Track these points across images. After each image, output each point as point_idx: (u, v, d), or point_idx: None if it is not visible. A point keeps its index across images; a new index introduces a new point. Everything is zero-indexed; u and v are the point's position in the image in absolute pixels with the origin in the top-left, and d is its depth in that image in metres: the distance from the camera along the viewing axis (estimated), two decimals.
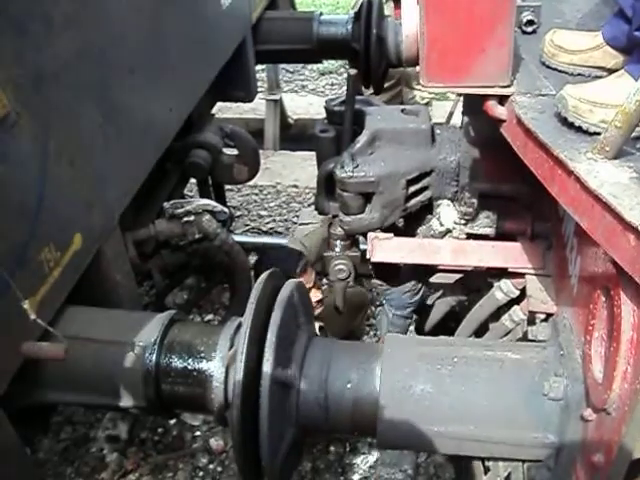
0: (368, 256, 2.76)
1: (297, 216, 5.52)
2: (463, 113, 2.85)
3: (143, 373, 2.06)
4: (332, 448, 3.64)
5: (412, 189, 2.75)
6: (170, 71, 2.94)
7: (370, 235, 2.75)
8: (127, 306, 2.53)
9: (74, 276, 2.16)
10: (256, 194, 5.87)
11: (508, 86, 2.08)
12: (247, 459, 1.98)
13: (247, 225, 5.53)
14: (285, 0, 5.10)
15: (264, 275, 2.12)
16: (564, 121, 1.84)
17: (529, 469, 2.28)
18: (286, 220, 5.55)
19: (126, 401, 2.12)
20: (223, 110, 6.35)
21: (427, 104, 5.33)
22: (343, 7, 9.21)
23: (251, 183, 4.85)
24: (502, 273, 2.64)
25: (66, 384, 2.15)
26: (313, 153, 3.38)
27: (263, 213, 5.66)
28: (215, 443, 3.70)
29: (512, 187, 2.66)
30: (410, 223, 2.94)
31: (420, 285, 2.99)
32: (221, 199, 4.51)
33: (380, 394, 2.02)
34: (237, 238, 4.13)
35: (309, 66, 8.06)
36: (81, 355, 2.07)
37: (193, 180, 4.41)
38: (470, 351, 2.10)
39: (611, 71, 2.01)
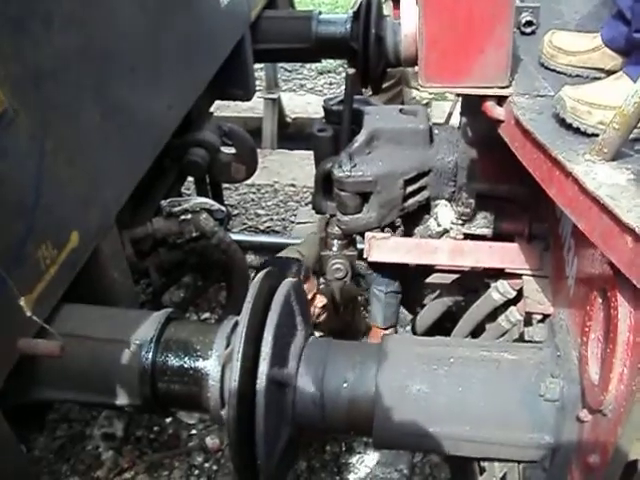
0: (365, 256, 2.76)
1: (294, 215, 5.53)
2: (461, 113, 2.85)
3: (139, 371, 2.06)
4: (328, 447, 3.64)
5: (410, 189, 2.75)
6: (169, 69, 2.94)
7: (367, 235, 2.75)
8: (124, 304, 2.53)
9: (71, 274, 2.15)
10: (254, 193, 5.86)
11: (507, 87, 2.08)
12: (243, 458, 1.97)
13: (244, 224, 5.52)
14: None
15: (261, 274, 2.12)
16: (562, 122, 1.84)
17: (525, 470, 2.28)
18: (283, 219, 5.55)
19: (122, 399, 2.12)
20: (221, 108, 6.35)
21: (427, 104, 5.33)
22: (342, 6, 9.20)
23: (249, 182, 4.85)
24: (499, 274, 2.64)
25: (62, 382, 2.14)
26: (311, 152, 3.38)
27: (260, 212, 5.65)
28: (211, 442, 3.70)
29: (510, 188, 2.67)
30: (407, 223, 2.94)
31: None
32: (218, 198, 4.51)
33: (376, 394, 2.02)
34: (234, 237, 4.13)
35: (307, 65, 8.05)
36: (77, 353, 2.06)
37: (191, 178, 4.40)
38: (466, 351, 2.10)
39: (610, 73, 2.01)
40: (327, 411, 2.05)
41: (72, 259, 2.14)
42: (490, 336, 2.72)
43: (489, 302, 2.69)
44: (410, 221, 2.93)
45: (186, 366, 2.06)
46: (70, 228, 2.14)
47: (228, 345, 2.03)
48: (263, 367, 1.90)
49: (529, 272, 2.53)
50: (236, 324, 2.04)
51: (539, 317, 2.37)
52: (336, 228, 2.92)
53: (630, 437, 1.55)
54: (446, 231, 2.77)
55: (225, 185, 5.09)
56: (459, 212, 2.71)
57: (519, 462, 2.26)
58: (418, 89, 5.37)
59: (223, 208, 3.67)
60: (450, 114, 4.92)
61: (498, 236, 2.71)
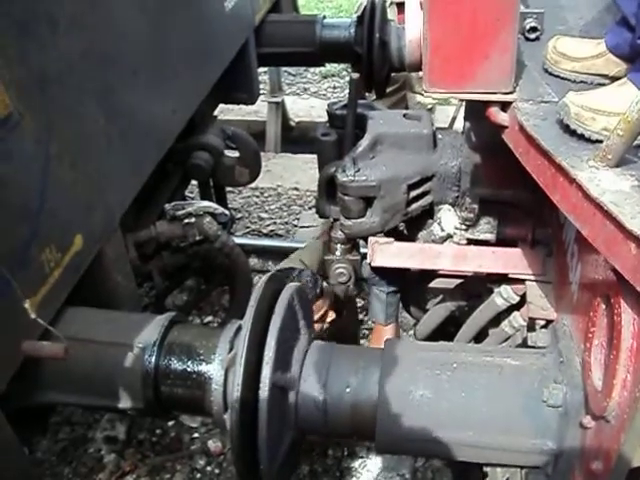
0: (368, 260, 2.76)
1: (298, 219, 5.53)
2: (465, 118, 2.85)
3: (142, 375, 2.06)
4: (330, 452, 3.64)
5: (413, 194, 2.75)
6: (173, 73, 2.94)
7: (370, 239, 2.75)
8: (127, 307, 2.53)
9: (74, 277, 2.16)
10: (257, 196, 5.87)
11: (511, 93, 2.08)
12: (245, 462, 1.97)
13: (248, 227, 5.53)
14: (288, 3, 5.10)
15: (264, 278, 2.12)
16: (566, 128, 1.84)
17: (527, 475, 2.28)
18: (287, 223, 5.55)
19: (125, 402, 2.12)
20: (225, 112, 6.35)
21: (430, 109, 5.33)
22: (346, 10, 9.21)
23: (252, 185, 4.86)
24: (502, 279, 2.64)
25: (65, 385, 2.14)
26: (314, 156, 3.38)
27: (264, 215, 5.66)
28: (213, 445, 3.70)
29: (513, 193, 2.67)
30: (411, 228, 2.94)
31: None
32: (222, 201, 4.52)
33: (379, 399, 2.02)
34: (237, 240, 4.13)
35: (311, 69, 8.05)
36: (80, 356, 2.06)
37: (194, 182, 4.41)
38: (469, 357, 2.10)
39: (614, 79, 2.01)
40: (330, 416, 2.05)
41: (76, 262, 2.14)
42: (493, 341, 2.72)
43: (492, 307, 2.69)
44: (413, 226, 2.93)
45: (189, 370, 2.06)
46: (74, 231, 2.14)
47: (231, 349, 2.03)
48: (266, 371, 1.90)
49: (532, 277, 2.53)
50: (239, 328, 2.04)
51: (542, 323, 2.37)
52: (339, 232, 2.92)
53: (633, 444, 1.54)
54: (449, 236, 2.77)
55: (229, 188, 5.09)
56: (462, 217, 2.71)
57: (522, 468, 2.27)
58: (422, 94, 5.38)
59: (227, 212, 3.68)
60: (454, 119, 4.93)
61: (501, 241, 2.71)
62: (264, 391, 1.89)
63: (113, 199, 2.44)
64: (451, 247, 2.75)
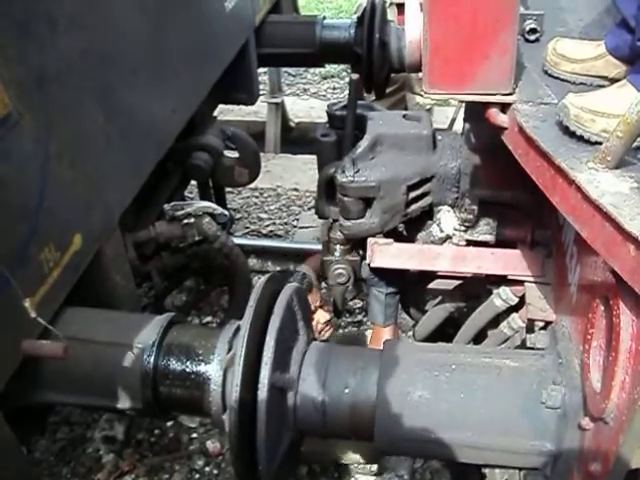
0: (367, 261, 2.76)
1: (297, 219, 5.52)
2: (465, 120, 2.85)
3: (141, 375, 2.06)
4: None
5: (413, 195, 2.74)
6: (173, 73, 2.95)
7: (370, 240, 2.75)
8: (126, 307, 2.53)
9: (73, 277, 2.16)
10: (256, 197, 5.86)
11: (510, 94, 2.08)
12: (244, 462, 1.97)
13: (247, 228, 5.52)
14: (288, 4, 5.11)
15: (263, 279, 2.12)
16: (566, 130, 1.84)
17: (526, 477, 2.28)
18: (286, 223, 5.54)
19: (123, 402, 2.12)
20: (225, 112, 6.35)
21: (429, 110, 5.33)
22: (346, 11, 9.21)
23: (252, 186, 4.85)
24: (501, 280, 2.64)
25: (64, 385, 2.15)
26: (314, 157, 3.38)
27: (263, 216, 5.65)
28: (212, 445, 3.69)
29: (512, 194, 2.66)
30: (410, 229, 2.94)
31: None
32: (221, 201, 4.51)
33: (378, 399, 2.02)
34: (237, 240, 4.12)
35: (311, 70, 8.05)
36: (79, 356, 2.06)
37: (194, 182, 4.41)
38: (468, 358, 2.10)
39: (613, 80, 2.01)
40: (328, 416, 2.05)
41: (75, 262, 2.14)
42: (492, 343, 2.72)
43: (491, 309, 2.69)
44: (413, 227, 2.93)
45: (188, 370, 2.07)
46: (73, 231, 2.14)
47: (230, 349, 2.03)
48: (265, 372, 1.90)
49: (531, 279, 2.53)
50: (238, 328, 2.04)
51: (541, 324, 2.37)
52: (339, 233, 2.92)
53: (632, 445, 1.54)
54: (449, 237, 2.77)
55: (228, 189, 5.09)
56: (462, 218, 2.71)
57: (520, 469, 2.26)
58: (421, 95, 5.38)
59: (226, 212, 3.68)
60: (453, 120, 4.93)
61: (501, 243, 2.71)
62: (263, 392, 1.89)
63: (112, 199, 2.44)
64: (450, 248, 2.75)
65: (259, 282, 2.10)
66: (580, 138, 1.81)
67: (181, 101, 3.08)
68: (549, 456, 1.94)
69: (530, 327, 2.43)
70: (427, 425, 2.00)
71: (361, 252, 2.94)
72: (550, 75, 2.19)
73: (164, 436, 3.78)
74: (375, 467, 3.50)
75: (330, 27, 4.29)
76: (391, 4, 4.76)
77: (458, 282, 2.90)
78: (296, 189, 5.88)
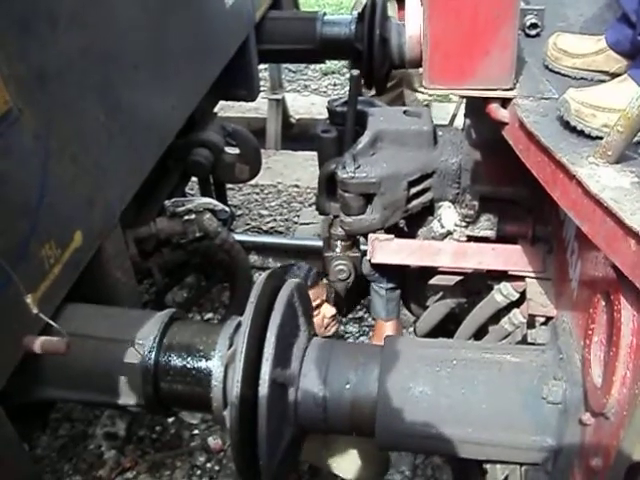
0: (368, 257, 2.76)
1: (298, 216, 5.53)
2: (465, 115, 2.85)
3: (142, 371, 2.06)
4: None
5: (413, 190, 2.74)
6: (173, 69, 2.94)
7: (371, 236, 2.74)
8: (127, 304, 2.53)
9: (74, 273, 2.16)
10: (257, 193, 5.87)
11: (511, 89, 2.07)
12: (245, 458, 1.97)
13: (248, 224, 5.53)
14: (288, 0, 5.10)
15: (264, 275, 2.12)
16: (566, 125, 1.83)
17: (527, 472, 2.28)
18: (287, 220, 5.55)
19: (125, 399, 2.12)
20: (225, 109, 6.35)
21: (427, 106, 5.33)
22: (346, 7, 9.19)
23: (252, 182, 4.86)
24: (502, 276, 2.63)
25: (65, 381, 2.15)
26: (315, 153, 3.38)
27: (264, 212, 5.66)
28: (213, 442, 3.70)
29: (513, 190, 2.66)
30: (411, 225, 2.94)
31: None
32: (222, 198, 4.52)
33: (379, 395, 2.02)
34: (237, 237, 4.13)
35: (312, 66, 8.06)
36: (80, 352, 2.07)
37: (194, 178, 4.41)
38: (469, 353, 2.10)
39: (614, 75, 2.01)
40: (329, 412, 2.05)
41: (76, 259, 2.14)
42: (493, 338, 2.71)
43: (492, 304, 2.69)
44: (414, 223, 2.92)
45: (189, 366, 2.07)
46: (74, 228, 2.14)
47: (231, 345, 2.03)
48: (266, 368, 1.90)
49: (532, 274, 2.53)
50: (239, 325, 2.04)
51: (542, 319, 2.37)
52: (339, 229, 2.92)
53: (633, 440, 1.54)
54: (449, 233, 2.77)
55: (229, 185, 5.10)
56: (463, 214, 2.71)
57: (521, 464, 2.26)
58: (419, 91, 5.38)
59: (227, 208, 3.68)
60: (454, 116, 4.92)
61: (501, 238, 2.71)
62: (264, 387, 1.89)
63: (113, 195, 2.44)
64: (451, 244, 2.74)
65: (260, 278, 2.10)
66: (581, 133, 1.80)
67: (181, 98, 3.08)
68: (550, 451, 1.94)
69: (531, 322, 2.43)
70: (428, 421, 2.00)
71: (362, 248, 2.94)
72: (551, 70, 2.18)
73: (165, 432, 3.79)
74: None
75: (330, 23, 4.29)
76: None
77: (459, 278, 2.90)
78: (297, 185, 5.89)
